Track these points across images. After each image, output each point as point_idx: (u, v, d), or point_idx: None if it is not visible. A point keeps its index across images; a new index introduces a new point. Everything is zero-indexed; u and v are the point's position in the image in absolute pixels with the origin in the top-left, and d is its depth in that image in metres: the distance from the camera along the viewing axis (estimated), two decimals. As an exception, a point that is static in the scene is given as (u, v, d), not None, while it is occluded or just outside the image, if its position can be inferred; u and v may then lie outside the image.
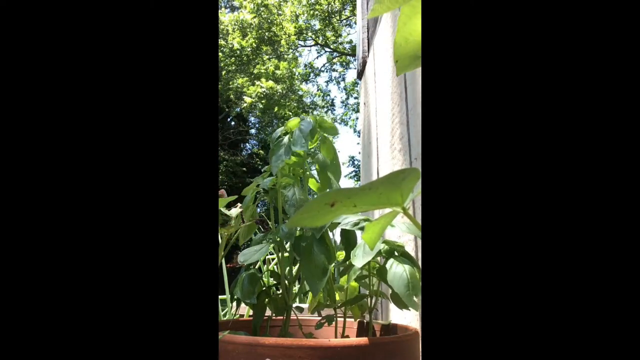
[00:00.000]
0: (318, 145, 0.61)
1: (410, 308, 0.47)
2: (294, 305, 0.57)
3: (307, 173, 0.60)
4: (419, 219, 0.75)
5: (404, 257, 0.51)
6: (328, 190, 0.59)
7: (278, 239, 0.55)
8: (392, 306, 0.98)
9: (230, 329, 0.53)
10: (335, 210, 0.26)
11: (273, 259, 1.21)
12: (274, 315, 0.58)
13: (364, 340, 0.41)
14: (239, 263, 0.53)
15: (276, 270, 1.01)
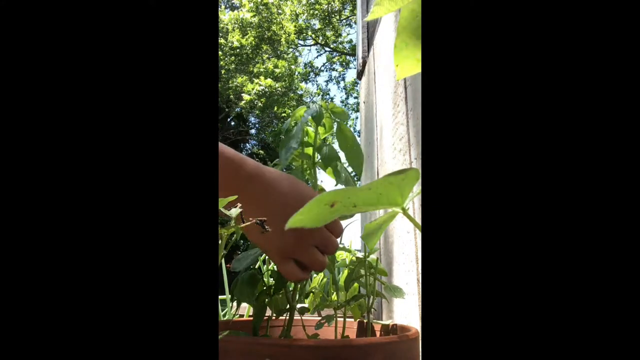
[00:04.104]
0: (333, 133, 0.57)
1: None
2: (298, 305, 0.56)
3: (316, 166, 0.56)
4: (418, 219, 0.75)
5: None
6: (333, 186, 0.56)
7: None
8: (393, 306, 0.98)
9: (230, 329, 0.53)
10: (335, 211, 0.26)
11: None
12: (274, 315, 0.58)
13: (364, 340, 0.41)
14: (234, 270, 0.52)
15: (276, 270, 1.01)
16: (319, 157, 0.56)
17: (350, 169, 0.58)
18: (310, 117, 0.53)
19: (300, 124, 0.53)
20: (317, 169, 0.57)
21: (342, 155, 0.57)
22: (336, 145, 0.57)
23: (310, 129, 0.56)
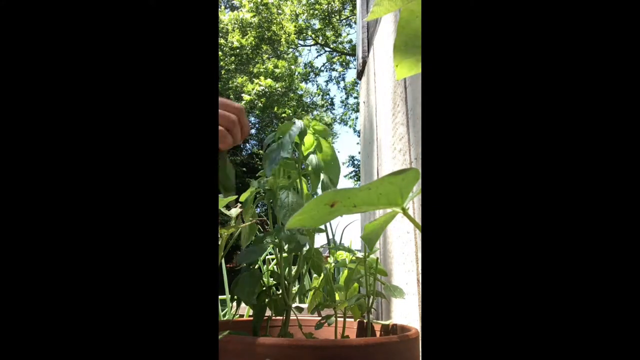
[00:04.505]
0: (314, 149, 0.61)
1: None
2: (293, 305, 0.57)
3: (302, 176, 0.60)
4: (418, 219, 0.75)
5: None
6: (327, 191, 0.59)
7: (277, 240, 0.55)
8: (393, 306, 0.98)
9: (230, 329, 0.53)
10: (335, 211, 0.26)
11: (273, 259, 1.21)
12: (274, 315, 0.58)
13: (364, 340, 0.41)
14: (239, 264, 0.53)
15: (276, 270, 1.01)
16: (304, 167, 0.60)
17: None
18: (295, 135, 0.56)
19: (288, 137, 0.56)
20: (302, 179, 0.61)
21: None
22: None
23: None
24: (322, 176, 0.60)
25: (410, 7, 0.28)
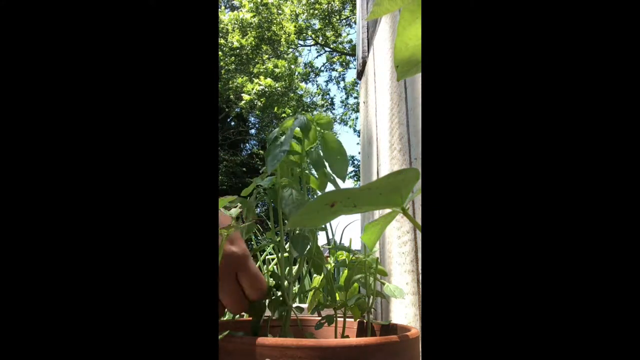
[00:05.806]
0: (318, 143, 0.60)
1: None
2: (293, 305, 0.57)
3: (306, 172, 0.59)
4: (419, 219, 0.75)
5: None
6: (328, 189, 0.58)
7: (278, 239, 0.55)
8: (393, 306, 0.98)
9: (230, 329, 0.53)
10: (335, 211, 0.26)
11: (273, 259, 1.21)
12: (274, 315, 0.58)
13: (364, 340, 0.41)
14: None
15: (276, 270, 1.01)
16: (309, 162, 0.59)
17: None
18: (298, 128, 0.55)
19: (289, 132, 0.55)
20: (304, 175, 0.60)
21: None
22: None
23: (294, 141, 0.58)
24: (327, 171, 0.58)
25: (410, 7, 0.28)
